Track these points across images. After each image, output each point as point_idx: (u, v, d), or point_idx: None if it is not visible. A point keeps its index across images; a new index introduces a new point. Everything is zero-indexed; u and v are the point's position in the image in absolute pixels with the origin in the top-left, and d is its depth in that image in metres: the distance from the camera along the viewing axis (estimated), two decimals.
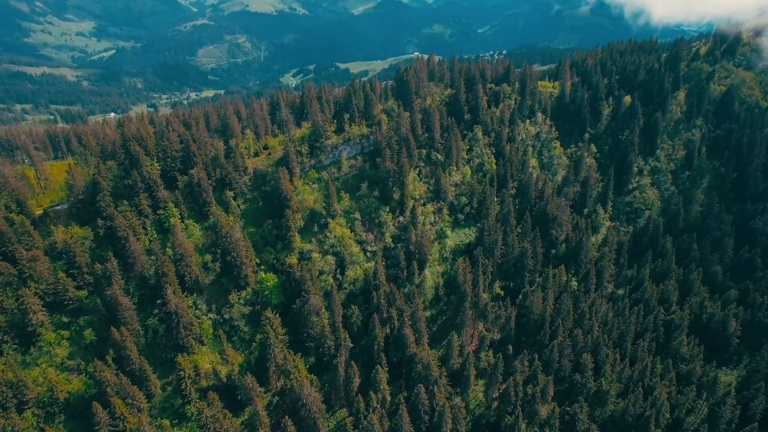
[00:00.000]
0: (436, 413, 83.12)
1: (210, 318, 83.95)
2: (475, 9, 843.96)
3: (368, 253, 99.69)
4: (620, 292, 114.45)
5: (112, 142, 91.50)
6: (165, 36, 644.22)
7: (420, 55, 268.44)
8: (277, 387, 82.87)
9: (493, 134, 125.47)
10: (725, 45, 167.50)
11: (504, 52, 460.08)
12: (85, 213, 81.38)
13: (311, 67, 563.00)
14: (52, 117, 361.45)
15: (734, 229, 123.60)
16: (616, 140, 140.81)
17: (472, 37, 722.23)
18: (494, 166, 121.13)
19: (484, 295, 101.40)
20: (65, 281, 73.14)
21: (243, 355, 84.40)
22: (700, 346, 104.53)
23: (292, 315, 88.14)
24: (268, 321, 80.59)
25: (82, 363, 72.08)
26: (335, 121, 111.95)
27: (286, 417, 74.09)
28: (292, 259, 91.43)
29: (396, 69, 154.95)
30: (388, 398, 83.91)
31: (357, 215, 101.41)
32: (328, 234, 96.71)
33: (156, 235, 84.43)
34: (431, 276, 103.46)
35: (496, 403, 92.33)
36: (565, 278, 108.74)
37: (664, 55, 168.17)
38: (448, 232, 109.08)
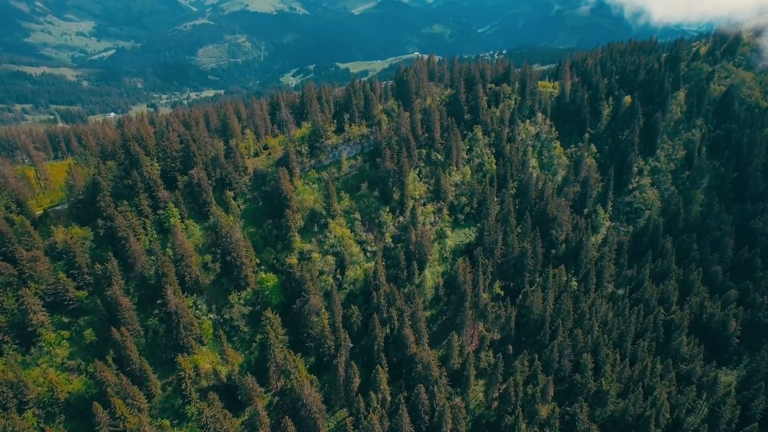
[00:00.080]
0: (436, 413, 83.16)
1: (210, 318, 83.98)
2: (475, 9, 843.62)
3: (368, 253, 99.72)
4: (620, 292, 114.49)
5: (112, 142, 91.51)
6: (165, 36, 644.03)
7: (420, 55, 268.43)
8: (277, 387, 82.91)
9: (493, 134, 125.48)
10: (725, 45, 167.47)
11: (504, 52, 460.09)
12: (85, 213, 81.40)
13: (311, 67, 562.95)
14: (52, 117, 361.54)
15: (734, 229, 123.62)
16: (616, 140, 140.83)
17: (472, 37, 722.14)
18: (494, 166, 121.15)
19: (484, 295, 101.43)
20: (65, 281, 73.16)
21: (243, 355, 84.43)
22: (700, 346, 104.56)
23: (292, 315, 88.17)
24: (268, 321, 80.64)
25: (83, 363, 72.12)
26: (335, 121, 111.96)
27: (287, 417, 74.12)
28: (292, 259, 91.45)
29: (396, 69, 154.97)
30: (388, 398, 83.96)
31: (357, 215, 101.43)
32: (328, 234, 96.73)
33: (156, 236, 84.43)
34: (431, 276, 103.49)
35: (496, 403, 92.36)
36: (565, 278, 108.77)
37: (664, 55, 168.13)
38: (448, 232, 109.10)
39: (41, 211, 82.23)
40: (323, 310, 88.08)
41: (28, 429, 62.65)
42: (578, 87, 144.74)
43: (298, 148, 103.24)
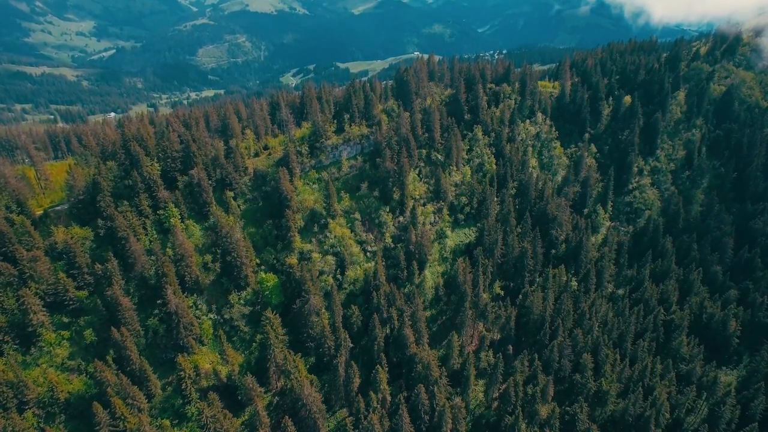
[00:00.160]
0: (436, 413, 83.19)
1: (210, 318, 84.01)
2: (475, 9, 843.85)
3: (368, 253, 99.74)
4: (620, 292, 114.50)
5: (112, 142, 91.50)
6: (165, 36, 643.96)
7: (420, 55, 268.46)
8: (277, 387, 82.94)
9: (493, 134, 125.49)
10: (725, 45, 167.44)
11: (504, 51, 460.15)
12: (86, 213, 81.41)
13: (311, 67, 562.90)
14: (52, 117, 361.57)
15: (734, 229, 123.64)
16: (616, 140, 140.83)
17: (472, 36, 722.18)
18: (494, 166, 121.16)
19: (484, 295, 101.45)
20: (65, 281, 73.18)
21: (243, 355, 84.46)
22: (700, 346, 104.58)
23: (292, 315, 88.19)
24: (268, 321, 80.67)
25: (83, 363, 72.14)
26: (335, 121, 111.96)
27: (287, 417, 74.14)
28: (292, 260, 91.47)
29: (396, 69, 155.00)
30: (388, 398, 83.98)
31: (357, 215, 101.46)
32: (328, 234, 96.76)
33: (156, 236, 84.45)
34: (431, 276, 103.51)
35: (496, 403, 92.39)
36: (565, 278, 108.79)
37: (664, 55, 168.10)
38: (448, 232, 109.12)
39: (41, 211, 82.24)
40: (323, 310, 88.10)
41: (28, 429, 62.69)
42: (578, 87, 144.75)
43: (298, 148, 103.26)
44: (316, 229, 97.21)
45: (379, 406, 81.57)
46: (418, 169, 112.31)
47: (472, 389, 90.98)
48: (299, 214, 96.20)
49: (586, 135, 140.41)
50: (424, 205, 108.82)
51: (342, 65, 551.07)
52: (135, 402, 69.20)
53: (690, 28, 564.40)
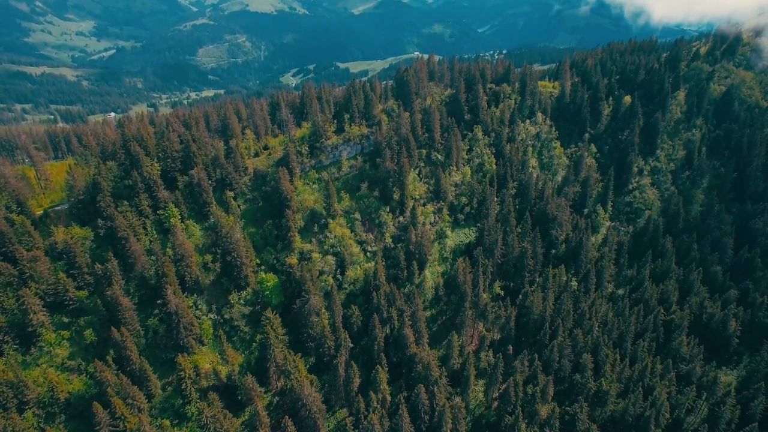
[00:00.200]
0: (436, 413, 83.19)
1: (210, 318, 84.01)
2: (475, 9, 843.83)
3: (368, 253, 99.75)
4: (620, 292, 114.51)
5: (112, 142, 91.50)
6: (165, 36, 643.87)
7: (420, 55, 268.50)
8: (277, 387, 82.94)
9: (493, 134, 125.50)
10: (725, 45, 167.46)
11: (504, 51, 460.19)
12: (86, 213, 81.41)
13: (311, 67, 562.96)
14: (52, 117, 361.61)
15: (734, 229, 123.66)
16: (616, 140, 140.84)
17: (472, 36, 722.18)
18: (494, 166, 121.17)
19: (484, 295, 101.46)
20: (65, 281, 73.18)
21: (243, 355, 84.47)
22: (700, 346, 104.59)
23: (293, 315, 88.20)
24: (268, 321, 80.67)
25: (83, 363, 72.14)
26: (335, 121, 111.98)
27: (287, 417, 74.14)
28: (293, 260, 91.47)
29: (396, 69, 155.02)
30: (388, 398, 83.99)
31: (357, 215, 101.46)
32: (328, 234, 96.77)
33: (156, 236, 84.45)
34: (431, 276, 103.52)
35: (496, 403, 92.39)
36: (565, 278, 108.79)
37: (664, 55, 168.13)
38: (448, 232, 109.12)
39: (41, 211, 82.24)
40: (323, 310, 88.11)
41: (29, 429, 62.70)
42: (578, 87, 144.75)
43: (298, 148, 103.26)
44: (316, 229, 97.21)
45: (379, 406, 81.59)
46: (418, 169, 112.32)
47: (472, 389, 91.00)
48: (299, 214, 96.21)
49: (586, 135, 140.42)
50: (424, 205, 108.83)
51: (342, 65, 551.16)
52: (135, 402, 69.20)
53: (690, 28, 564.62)
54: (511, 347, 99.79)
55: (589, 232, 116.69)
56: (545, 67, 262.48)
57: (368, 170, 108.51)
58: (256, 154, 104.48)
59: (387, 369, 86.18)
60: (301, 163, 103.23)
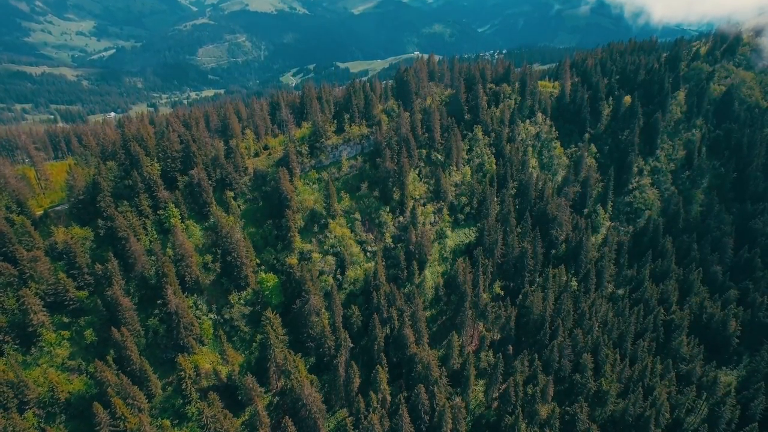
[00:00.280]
0: (436, 413, 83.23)
1: (210, 318, 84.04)
2: (475, 8, 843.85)
3: (368, 253, 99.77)
4: (620, 292, 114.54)
5: (112, 142, 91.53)
6: (165, 35, 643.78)
7: (420, 55, 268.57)
8: (277, 387, 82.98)
9: (493, 134, 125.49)
10: (725, 45, 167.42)
11: (504, 51, 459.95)
12: (86, 213, 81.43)
13: (311, 67, 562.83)
14: (52, 117, 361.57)
15: (734, 229, 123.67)
16: (616, 140, 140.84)
17: (472, 36, 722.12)
18: (494, 166, 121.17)
19: (484, 295, 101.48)
20: (66, 282, 73.21)
21: (243, 355, 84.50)
22: (700, 346, 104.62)
23: (293, 315, 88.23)
24: (268, 321, 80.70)
25: (83, 363, 72.18)
26: (335, 121, 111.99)
27: (287, 417, 74.18)
28: (293, 260, 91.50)
29: (396, 68, 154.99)
30: (388, 398, 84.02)
31: (357, 215, 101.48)
32: (328, 234, 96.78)
33: (156, 236, 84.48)
34: (431, 276, 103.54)
35: (496, 403, 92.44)
36: (565, 278, 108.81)
37: (664, 55, 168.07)
38: (448, 232, 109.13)
39: (41, 212, 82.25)
40: (323, 310, 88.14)
41: (29, 429, 62.75)
42: (578, 87, 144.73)
43: (298, 148, 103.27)
44: (316, 229, 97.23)
45: (379, 406, 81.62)
46: (418, 169, 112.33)
47: (472, 389, 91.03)
48: (299, 214, 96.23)
49: (586, 135, 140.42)
50: (424, 205, 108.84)
51: (342, 65, 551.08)
52: (135, 402, 69.26)
53: (690, 28, 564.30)
54: (511, 347, 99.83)
55: (589, 232, 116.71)
56: (545, 67, 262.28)
57: (368, 170, 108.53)
58: (256, 154, 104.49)
59: (387, 369, 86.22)
60: (301, 163, 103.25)
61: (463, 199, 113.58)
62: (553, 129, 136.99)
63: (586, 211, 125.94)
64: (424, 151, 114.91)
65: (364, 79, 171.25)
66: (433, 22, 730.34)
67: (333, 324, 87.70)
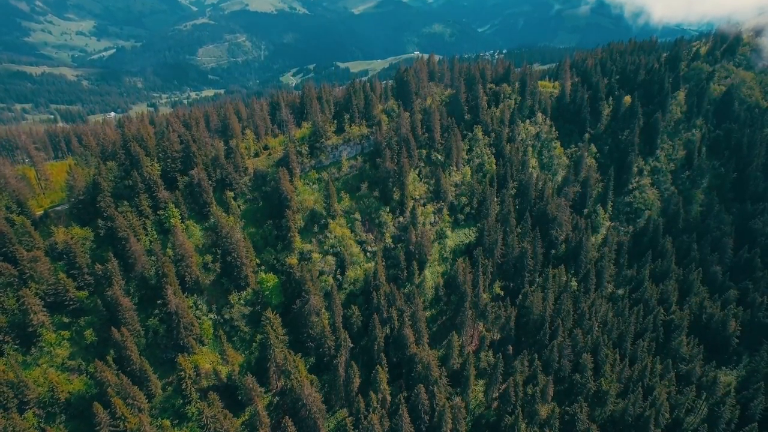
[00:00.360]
0: (436, 413, 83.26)
1: (210, 318, 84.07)
2: (475, 8, 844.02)
3: (368, 254, 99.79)
4: (620, 292, 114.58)
5: (112, 142, 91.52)
6: (165, 35, 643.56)
7: (420, 55, 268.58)
8: (277, 387, 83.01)
9: (493, 134, 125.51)
10: (725, 45, 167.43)
11: (504, 51, 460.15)
12: (86, 213, 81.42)
13: (311, 67, 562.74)
14: (52, 116, 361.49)
15: (734, 229, 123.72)
16: (616, 140, 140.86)
17: (472, 36, 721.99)
18: (494, 166, 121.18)
19: (484, 295, 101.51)
20: (66, 282, 73.23)
21: (243, 355, 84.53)
22: (699, 346, 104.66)
23: (293, 315, 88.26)
24: (268, 321, 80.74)
25: (83, 363, 72.19)
26: (335, 121, 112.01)
27: (287, 417, 74.22)
28: (293, 260, 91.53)
29: (396, 68, 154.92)
30: (388, 398, 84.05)
31: (357, 215, 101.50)
32: (328, 234, 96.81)
33: (156, 236, 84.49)
34: (431, 276, 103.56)
35: (496, 403, 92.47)
36: (565, 278, 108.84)
37: (664, 55, 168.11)
38: (448, 232, 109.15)
39: (42, 212, 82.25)
40: (323, 310, 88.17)
41: (29, 429, 62.77)
42: (578, 87, 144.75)
43: (298, 148, 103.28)
44: (316, 229, 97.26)
45: (379, 406, 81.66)
46: (418, 169, 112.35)
47: (472, 389, 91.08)
48: (299, 214, 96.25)
49: (586, 135, 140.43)
50: (424, 205, 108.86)
51: (342, 65, 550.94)
52: (135, 402, 69.29)
53: (690, 28, 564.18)
54: (511, 347, 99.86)
55: (589, 232, 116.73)
56: (545, 67, 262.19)
57: (368, 170, 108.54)
58: (256, 154, 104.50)
59: (387, 369, 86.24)
60: (301, 163, 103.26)
61: (463, 199, 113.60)
62: (553, 129, 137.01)
63: (586, 211, 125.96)
64: (424, 151, 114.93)
65: (364, 79, 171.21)
66: (433, 22, 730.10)
67: (333, 324, 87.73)
